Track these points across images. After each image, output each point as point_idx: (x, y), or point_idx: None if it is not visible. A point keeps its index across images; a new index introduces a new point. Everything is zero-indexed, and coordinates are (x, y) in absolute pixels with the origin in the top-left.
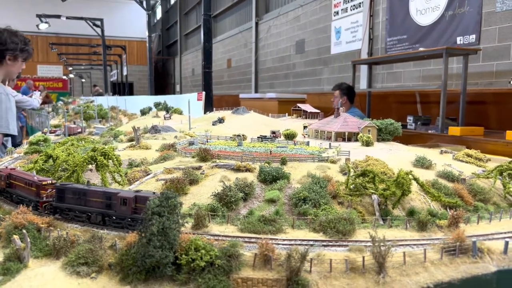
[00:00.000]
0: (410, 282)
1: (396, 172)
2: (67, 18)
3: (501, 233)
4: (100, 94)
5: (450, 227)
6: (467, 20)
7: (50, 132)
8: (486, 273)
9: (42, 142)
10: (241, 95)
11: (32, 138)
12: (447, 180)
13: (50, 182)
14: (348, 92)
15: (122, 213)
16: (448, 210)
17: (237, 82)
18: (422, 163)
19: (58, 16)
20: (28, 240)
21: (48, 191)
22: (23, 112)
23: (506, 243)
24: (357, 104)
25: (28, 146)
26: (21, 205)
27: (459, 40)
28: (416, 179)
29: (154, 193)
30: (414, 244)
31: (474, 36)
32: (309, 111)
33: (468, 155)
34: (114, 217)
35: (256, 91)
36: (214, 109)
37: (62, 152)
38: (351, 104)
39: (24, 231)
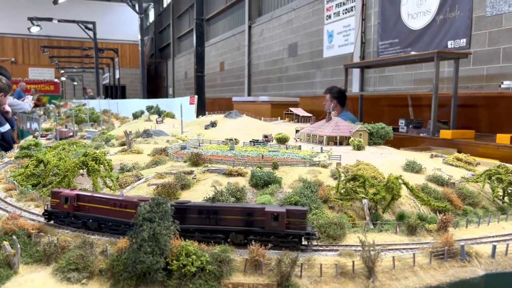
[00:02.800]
0: (399, 286)
1: (387, 177)
2: (59, 21)
3: (489, 237)
4: (92, 98)
5: (439, 231)
6: (457, 24)
7: (41, 136)
8: (474, 276)
9: (33, 147)
10: (234, 98)
11: (23, 142)
12: (436, 184)
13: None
14: (339, 95)
15: (272, 229)
16: (437, 214)
17: (230, 85)
18: (412, 168)
19: (50, 19)
20: (18, 246)
21: None
22: (15, 116)
23: (494, 247)
24: (350, 107)
25: (19, 151)
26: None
27: (450, 44)
28: (405, 184)
29: (303, 206)
30: (404, 249)
31: (464, 40)
32: (301, 115)
33: (458, 159)
34: (260, 235)
35: (249, 95)
36: (207, 112)
37: (53, 156)
38: (342, 108)
39: (14, 237)
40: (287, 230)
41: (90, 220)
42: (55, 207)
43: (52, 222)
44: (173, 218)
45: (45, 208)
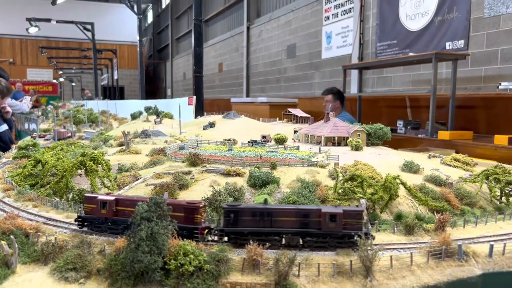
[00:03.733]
0: (396, 286)
1: (384, 177)
2: (57, 22)
3: (487, 236)
4: (90, 98)
5: (437, 231)
6: (455, 26)
7: (40, 137)
8: (472, 276)
9: (31, 147)
10: (232, 99)
11: (21, 142)
12: (434, 185)
13: (203, 204)
14: (340, 96)
15: (330, 230)
16: (435, 214)
17: (228, 86)
18: (410, 168)
19: (48, 20)
20: (16, 246)
21: (204, 214)
22: (13, 117)
23: (491, 247)
24: (348, 108)
25: (16, 151)
26: None
27: (448, 45)
28: (403, 184)
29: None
30: (401, 248)
31: (462, 41)
32: (299, 115)
33: (456, 160)
34: (317, 236)
35: (247, 95)
36: (205, 113)
37: (51, 157)
38: (342, 108)
39: (12, 236)
40: (344, 231)
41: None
42: (90, 213)
43: (85, 229)
44: (225, 220)
45: (78, 214)
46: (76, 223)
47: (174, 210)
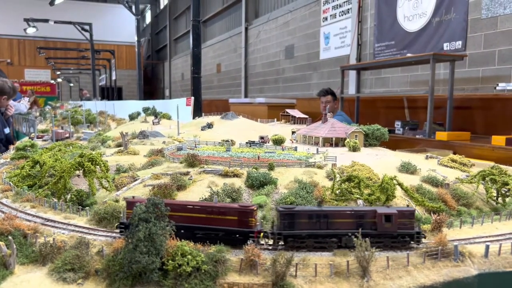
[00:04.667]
0: (393, 286)
1: (381, 178)
2: (55, 22)
3: (483, 237)
4: (88, 99)
5: (433, 231)
6: (453, 27)
7: (37, 137)
8: (468, 276)
9: (29, 148)
10: (230, 100)
11: (18, 143)
12: (431, 185)
13: (256, 207)
14: (335, 96)
15: (385, 230)
16: (431, 214)
17: (226, 86)
18: (407, 169)
19: (46, 21)
20: (14, 246)
21: (256, 217)
22: (10, 118)
23: (487, 247)
24: (346, 109)
25: (14, 152)
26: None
27: (446, 46)
28: (400, 184)
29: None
30: (398, 248)
31: (460, 42)
32: (297, 116)
33: (453, 160)
34: (373, 237)
35: (245, 96)
36: (203, 114)
37: (49, 157)
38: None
39: (10, 237)
40: (399, 231)
41: (182, 230)
42: None
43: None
44: (282, 224)
45: (120, 220)
46: (118, 230)
47: (226, 213)
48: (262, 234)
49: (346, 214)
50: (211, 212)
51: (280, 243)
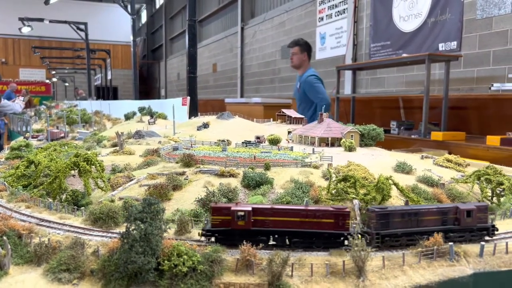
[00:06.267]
0: (389, 285)
1: (377, 177)
2: (50, 21)
3: None
4: (84, 99)
5: None
6: (448, 27)
7: (32, 137)
8: (463, 276)
9: (24, 148)
10: (226, 100)
11: (13, 143)
12: (426, 185)
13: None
14: (308, 48)
15: (467, 225)
16: None
17: (222, 86)
18: (403, 168)
19: (41, 20)
20: (9, 247)
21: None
22: (4, 119)
23: (482, 247)
24: (342, 109)
25: (9, 152)
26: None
27: (441, 46)
28: (396, 184)
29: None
30: (393, 248)
31: (455, 42)
32: (293, 116)
33: (448, 160)
34: (456, 232)
35: (241, 96)
36: (199, 114)
37: (44, 157)
38: (309, 63)
39: (4, 238)
40: (478, 225)
41: (276, 236)
42: (220, 225)
43: (212, 241)
44: (379, 224)
45: (204, 227)
46: (203, 238)
47: (321, 216)
48: (360, 235)
49: (434, 211)
50: (306, 216)
51: (377, 243)
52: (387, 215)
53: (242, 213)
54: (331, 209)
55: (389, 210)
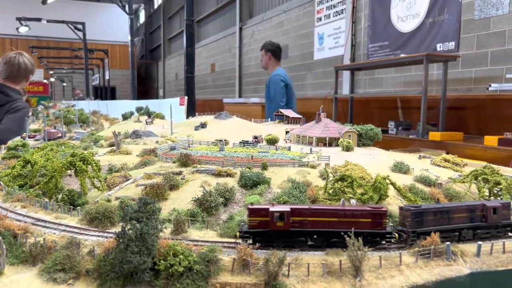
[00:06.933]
0: (385, 285)
1: (374, 177)
2: (48, 21)
3: None
4: (81, 99)
5: None
6: (446, 27)
7: (29, 137)
8: (460, 275)
9: (20, 147)
10: (224, 100)
11: (10, 143)
12: (424, 185)
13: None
14: (273, 48)
15: (493, 221)
16: None
17: (221, 86)
18: (400, 168)
19: (39, 19)
20: (4, 246)
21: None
22: None
23: (479, 246)
24: (340, 109)
25: (6, 151)
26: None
27: (439, 46)
28: (393, 184)
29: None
30: (391, 248)
31: (453, 43)
32: (291, 116)
33: (446, 160)
34: (483, 228)
35: (240, 96)
36: (197, 114)
37: (41, 157)
38: (277, 62)
39: (0, 237)
40: (503, 222)
41: (315, 236)
42: (258, 227)
43: (253, 243)
44: (414, 222)
45: (240, 229)
46: (241, 239)
47: (359, 216)
48: (397, 235)
49: (463, 209)
50: (344, 216)
51: (412, 241)
52: (421, 213)
53: (281, 214)
54: (369, 208)
55: (423, 208)
